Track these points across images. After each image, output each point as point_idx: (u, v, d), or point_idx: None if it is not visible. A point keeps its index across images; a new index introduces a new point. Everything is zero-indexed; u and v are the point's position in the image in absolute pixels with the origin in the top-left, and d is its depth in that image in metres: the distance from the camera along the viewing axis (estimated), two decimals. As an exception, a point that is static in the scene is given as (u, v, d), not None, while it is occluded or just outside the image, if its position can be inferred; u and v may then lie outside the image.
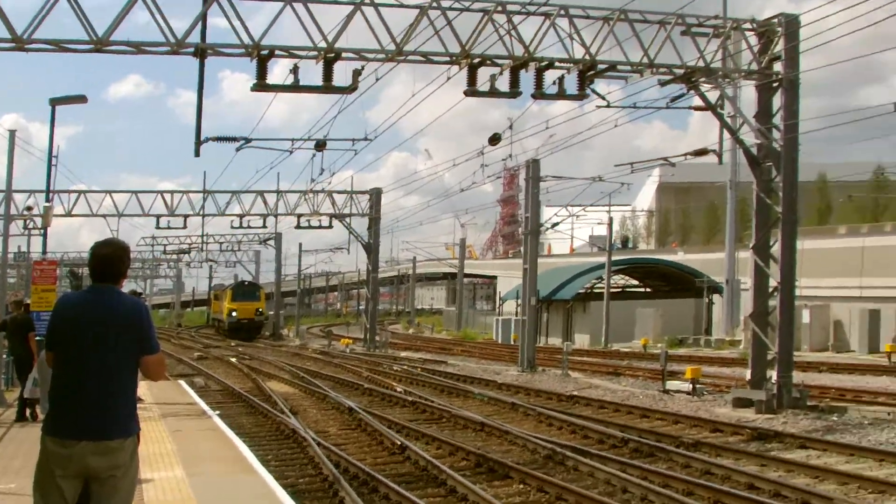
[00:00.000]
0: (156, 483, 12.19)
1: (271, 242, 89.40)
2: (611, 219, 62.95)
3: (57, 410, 6.45)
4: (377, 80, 24.22)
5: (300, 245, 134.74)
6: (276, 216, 57.85)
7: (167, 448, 15.51)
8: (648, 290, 69.01)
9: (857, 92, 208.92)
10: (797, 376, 26.02)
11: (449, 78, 23.43)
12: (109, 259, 6.60)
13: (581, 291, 62.70)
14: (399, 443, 19.36)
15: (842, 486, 14.98)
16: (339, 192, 56.88)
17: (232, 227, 58.61)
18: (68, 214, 51.94)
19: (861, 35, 22.58)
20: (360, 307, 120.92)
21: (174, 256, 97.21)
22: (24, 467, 13.87)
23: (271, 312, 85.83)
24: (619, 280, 66.07)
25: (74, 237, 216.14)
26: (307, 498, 14.30)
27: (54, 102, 26.98)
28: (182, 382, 29.46)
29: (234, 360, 46.44)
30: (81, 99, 27.84)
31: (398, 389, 30.49)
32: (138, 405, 6.92)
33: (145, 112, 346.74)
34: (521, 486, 15.66)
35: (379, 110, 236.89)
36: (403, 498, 14.17)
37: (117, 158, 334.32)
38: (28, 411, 19.36)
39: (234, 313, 77.64)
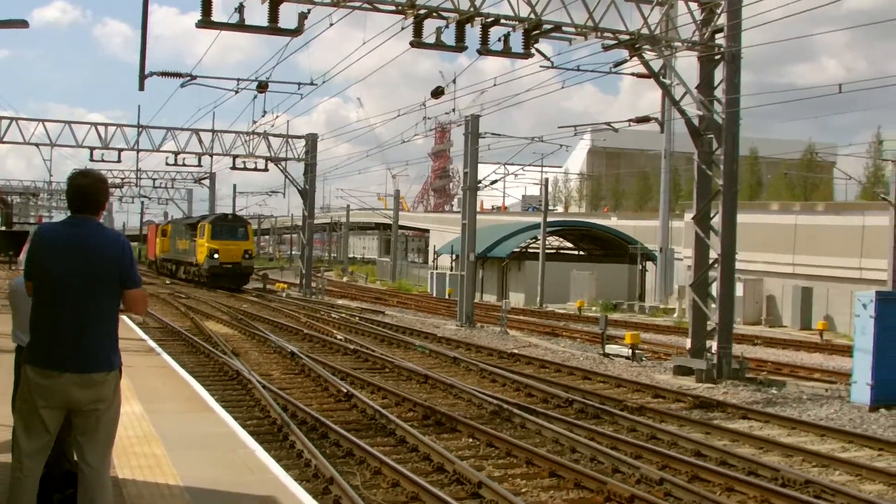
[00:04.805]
0: (113, 417, 12.05)
1: (205, 182, 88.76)
2: (546, 180, 63.11)
3: (36, 340, 6.42)
4: (331, 24, 23.96)
5: (234, 186, 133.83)
6: (211, 156, 56.91)
7: (122, 383, 15.32)
8: (582, 252, 69.42)
9: (785, 69, 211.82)
10: (734, 348, 26.38)
11: (403, 28, 23.22)
12: (87, 190, 6.48)
13: (516, 250, 62.95)
14: (345, 390, 19.37)
15: (786, 458, 15.23)
16: (275, 136, 56.39)
17: (167, 164, 57.73)
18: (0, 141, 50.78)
19: (790, 11, 22.71)
20: (293, 252, 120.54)
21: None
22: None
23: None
24: (554, 241, 66.41)
25: (0, 164, 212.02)
26: (258, 441, 14.18)
27: (-6, 26, 26.19)
28: (124, 317, 29.16)
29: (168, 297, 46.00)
30: (22, 23, 27.05)
31: (338, 337, 30.47)
32: None
33: (70, 40, 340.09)
34: (470, 440, 15.72)
35: (309, 54, 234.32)
36: (354, 445, 14.17)
37: (44, 87, 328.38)
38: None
39: (215, 255, 60.18)
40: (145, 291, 6.77)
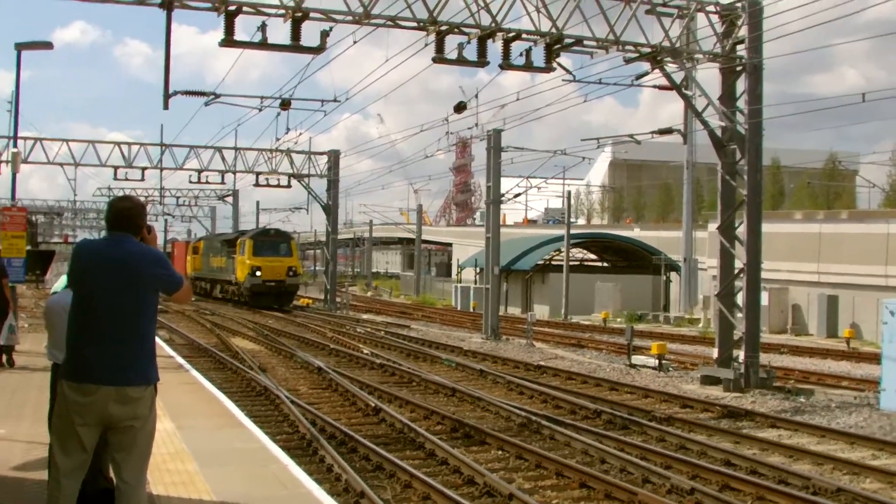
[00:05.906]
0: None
1: (228, 199, 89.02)
2: (569, 192, 63.09)
3: (73, 354, 6.48)
4: (354, 42, 24.08)
5: (257, 203, 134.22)
6: (234, 173, 56.94)
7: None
8: (606, 264, 69.26)
9: (804, 79, 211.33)
10: (761, 357, 26.28)
11: (426, 45, 23.30)
12: (125, 213, 6.69)
13: (540, 263, 62.87)
14: (373, 405, 19.39)
15: (816, 466, 15.19)
16: (297, 153, 56.57)
17: (190, 182, 57.90)
18: (25, 161, 51.14)
19: (809, 23, 22.53)
20: (317, 267, 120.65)
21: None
22: (7, 413, 13.80)
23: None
24: (577, 253, 66.28)
25: (24, 184, 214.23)
26: (288, 456, 14.25)
27: (20, 47, 26.47)
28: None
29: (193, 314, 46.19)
30: (47, 45, 27.45)
31: (365, 351, 30.51)
32: None
33: (91, 60, 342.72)
34: (500, 452, 15.72)
35: (330, 71, 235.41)
36: (384, 459, 14.18)
37: (65, 106, 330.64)
38: (4, 357, 19.21)
39: (257, 273, 56.56)
40: (187, 283, 6.95)
